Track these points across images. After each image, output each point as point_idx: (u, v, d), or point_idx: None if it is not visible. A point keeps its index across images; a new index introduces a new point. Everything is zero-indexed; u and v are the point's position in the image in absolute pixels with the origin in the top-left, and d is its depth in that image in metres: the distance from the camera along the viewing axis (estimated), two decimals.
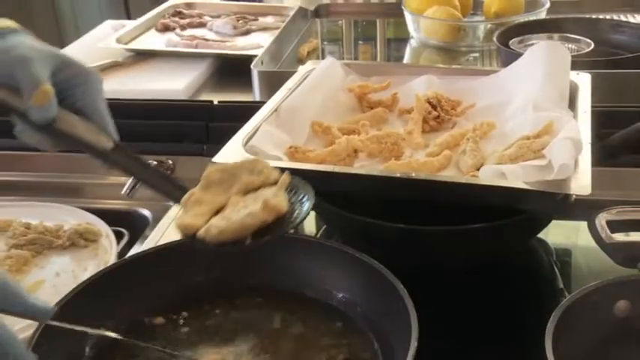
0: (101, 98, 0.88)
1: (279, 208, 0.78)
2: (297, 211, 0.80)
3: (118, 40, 1.85)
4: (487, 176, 0.99)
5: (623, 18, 1.81)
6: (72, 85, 0.87)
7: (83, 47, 1.92)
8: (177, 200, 0.84)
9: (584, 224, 1.04)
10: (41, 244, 1.18)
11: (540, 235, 1.13)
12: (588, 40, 1.62)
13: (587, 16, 1.77)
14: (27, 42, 0.87)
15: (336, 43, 2.12)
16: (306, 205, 0.80)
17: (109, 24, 2.13)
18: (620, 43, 1.63)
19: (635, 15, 1.87)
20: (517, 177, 0.95)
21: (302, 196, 0.82)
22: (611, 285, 0.86)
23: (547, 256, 1.13)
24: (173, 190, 0.86)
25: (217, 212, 0.81)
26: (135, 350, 0.87)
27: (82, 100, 0.87)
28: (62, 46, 1.91)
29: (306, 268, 0.95)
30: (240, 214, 0.78)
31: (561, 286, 1.08)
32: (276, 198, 0.79)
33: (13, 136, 1.29)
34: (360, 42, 2.15)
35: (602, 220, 0.96)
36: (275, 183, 0.82)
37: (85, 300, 0.88)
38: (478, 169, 1.02)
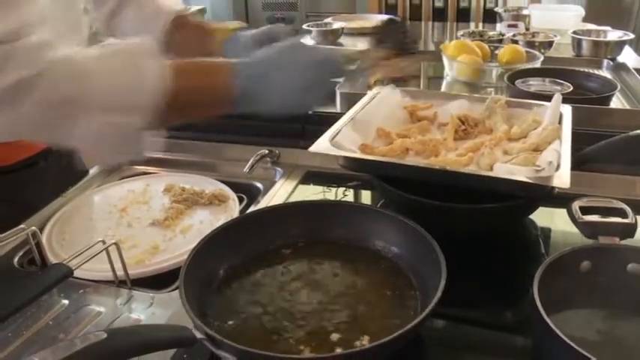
0: None
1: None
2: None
3: None
4: (499, 172, 0.98)
5: (591, 71, 1.79)
6: None
7: None
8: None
9: (558, 210, 1.07)
10: (191, 201, 1.22)
11: (530, 217, 1.12)
12: (568, 84, 1.61)
13: (568, 67, 1.76)
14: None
15: None
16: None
17: None
18: (589, 88, 1.62)
19: (598, 70, 1.85)
20: (519, 173, 0.94)
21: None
22: (578, 250, 0.86)
23: (534, 230, 1.12)
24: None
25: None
26: (255, 273, 0.91)
27: None
28: None
29: (369, 228, 0.96)
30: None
31: (543, 251, 1.08)
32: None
33: (182, 130, 1.33)
34: None
35: (576, 205, 0.97)
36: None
37: (219, 239, 0.91)
38: (492, 167, 1.02)
